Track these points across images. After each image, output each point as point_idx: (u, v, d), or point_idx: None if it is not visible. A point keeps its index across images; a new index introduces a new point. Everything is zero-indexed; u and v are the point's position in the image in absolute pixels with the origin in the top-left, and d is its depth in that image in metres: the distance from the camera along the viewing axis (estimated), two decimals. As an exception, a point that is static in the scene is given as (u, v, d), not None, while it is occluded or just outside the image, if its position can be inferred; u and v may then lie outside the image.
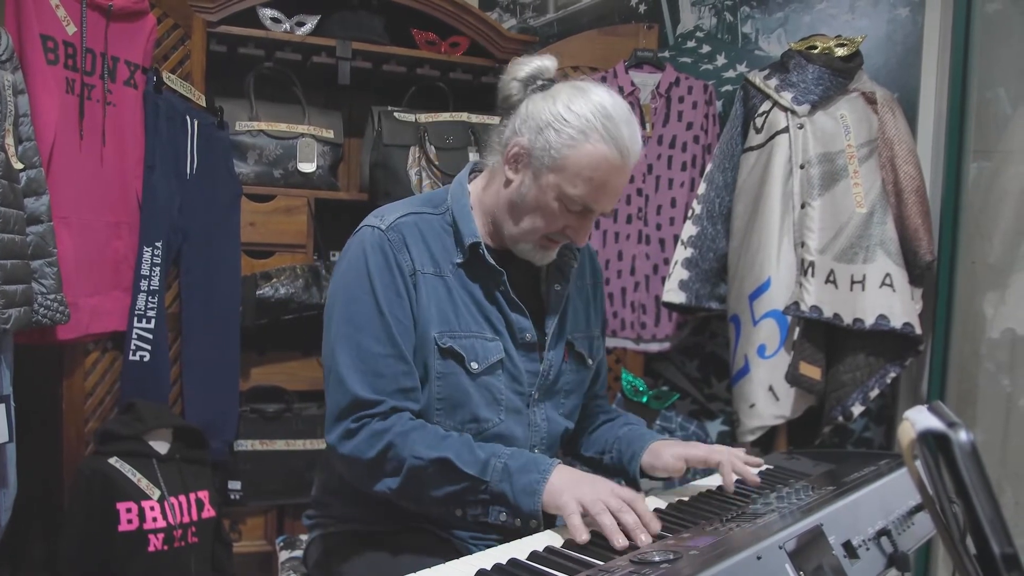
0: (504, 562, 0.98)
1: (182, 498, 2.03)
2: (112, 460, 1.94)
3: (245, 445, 2.39)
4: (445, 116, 2.60)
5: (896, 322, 2.06)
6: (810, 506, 1.16)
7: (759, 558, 0.95)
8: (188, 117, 2.25)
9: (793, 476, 1.41)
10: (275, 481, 2.42)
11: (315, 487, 1.51)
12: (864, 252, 2.11)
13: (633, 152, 1.27)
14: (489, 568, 0.95)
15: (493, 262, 1.35)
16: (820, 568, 1.04)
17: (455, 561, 1.01)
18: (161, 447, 2.03)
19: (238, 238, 2.39)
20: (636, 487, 1.39)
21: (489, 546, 1.36)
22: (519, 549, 1.04)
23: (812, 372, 2.11)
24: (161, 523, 1.95)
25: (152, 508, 1.94)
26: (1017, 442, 2.11)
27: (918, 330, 2.06)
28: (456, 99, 2.78)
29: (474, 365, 1.32)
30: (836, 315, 2.09)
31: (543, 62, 1.34)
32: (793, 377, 2.11)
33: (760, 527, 1.05)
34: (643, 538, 1.05)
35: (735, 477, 1.32)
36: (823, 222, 2.13)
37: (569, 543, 1.08)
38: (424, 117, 2.57)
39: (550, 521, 1.21)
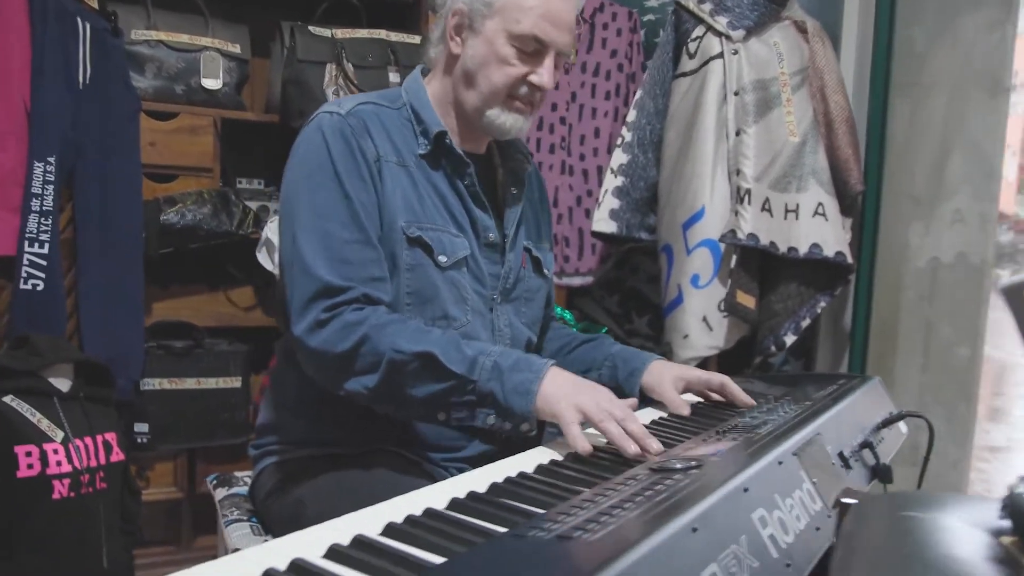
0: (502, 480, 0.90)
1: (88, 440, 1.84)
2: (7, 399, 1.73)
3: (152, 384, 2.20)
4: (363, 33, 2.44)
5: (829, 251, 2.08)
6: (801, 419, 1.13)
7: (780, 463, 0.91)
8: (79, 19, 2.01)
9: (763, 396, 1.39)
10: (186, 423, 2.25)
11: (263, 412, 1.39)
12: (797, 181, 2.12)
13: None
14: (484, 489, 0.87)
15: (461, 152, 1.30)
16: (826, 476, 1.02)
17: (447, 481, 0.92)
18: (62, 384, 1.83)
19: (138, 158, 2.17)
20: None
21: (463, 470, 1.29)
22: (514, 466, 0.97)
23: (748, 301, 2.11)
24: (66, 467, 1.76)
25: (56, 451, 1.75)
26: (936, 370, 2.18)
27: (850, 259, 2.09)
28: (370, 17, 2.61)
29: (443, 258, 1.26)
30: (772, 243, 2.09)
31: None
32: (730, 306, 2.10)
33: (764, 437, 1.01)
34: (654, 446, 1.00)
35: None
36: (758, 149, 2.12)
37: (566, 459, 1.01)
38: (341, 33, 2.40)
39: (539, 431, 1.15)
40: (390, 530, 0.71)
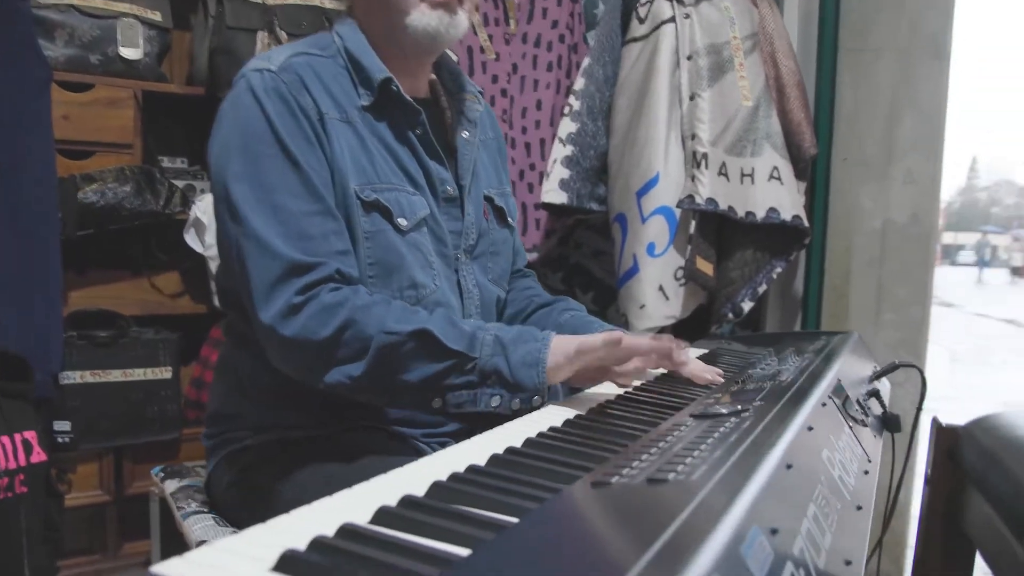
0: (535, 435, 0.81)
1: (5, 440, 1.66)
2: (-87, 395, 1.54)
3: (73, 377, 2.01)
4: None
5: (786, 215, 2.05)
6: (815, 368, 1.07)
7: (824, 404, 0.85)
8: (-19, -24, 1.82)
9: (756, 353, 1.34)
10: (111, 419, 2.06)
11: (213, 400, 1.26)
12: (752, 145, 2.09)
13: None
14: (520, 444, 0.77)
15: (410, 99, 1.17)
16: (855, 418, 0.97)
17: (459, 445, 0.82)
18: (-25, 378, 1.65)
19: (50, 132, 1.97)
20: None
21: (444, 444, 1.19)
22: (531, 426, 0.88)
23: (706, 268, 2.07)
24: (-16, 468, 1.59)
25: (-28, 451, 1.58)
26: (888, 331, 2.19)
27: (806, 223, 2.07)
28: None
29: (402, 221, 1.14)
30: (730, 208, 2.05)
31: None
32: (690, 272, 2.05)
33: (791, 385, 0.95)
34: (708, 376, 0.93)
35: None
36: (713, 114, 2.07)
37: (589, 415, 0.92)
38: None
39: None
40: (437, 490, 0.60)
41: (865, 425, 1.00)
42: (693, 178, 2.05)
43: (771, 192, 2.06)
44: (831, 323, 2.22)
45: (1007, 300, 20.33)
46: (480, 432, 1.18)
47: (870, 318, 2.20)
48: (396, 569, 0.43)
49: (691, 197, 2.03)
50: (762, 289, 2.12)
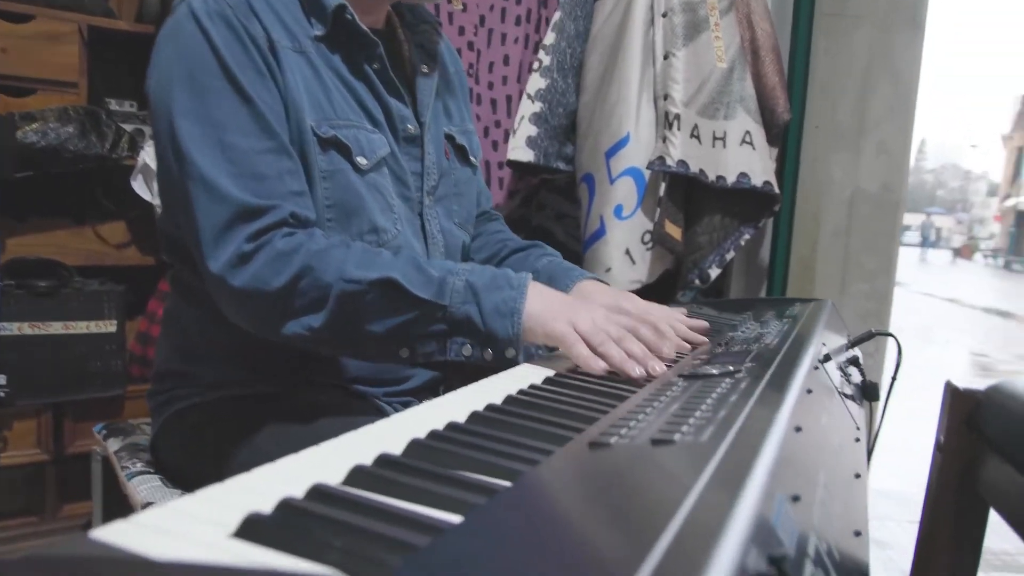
0: (515, 392, 0.75)
1: (-65, 391, 1.57)
2: None
3: (10, 329, 1.90)
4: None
5: (757, 180, 2.01)
6: (797, 333, 1.03)
7: (816, 368, 0.81)
8: None
9: (730, 319, 1.30)
10: (50, 374, 1.96)
11: (160, 356, 1.18)
12: (725, 108, 2.04)
13: None
14: (500, 401, 0.72)
15: (366, 28, 1.08)
16: (842, 385, 0.93)
17: (429, 403, 0.76)
18: (-98, 325, 1.54)
19: (-14, 65, 1.86)
20: None
21: (407, 404, 1.13)
22: (508, 385, 0.82)
23: (675, 232, 2.02)
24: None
25: None
26: (853, 303, 2.17)
27: (776, 189, 2.03)
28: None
29: (362, 160, 1.06)
30: (701, 171, 2.00)
31: None
32: (658, 236, 2.01)
33: (777, 348, 0.91)
34: (656, 368, 0.87)
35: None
36: (687, 74, 2.02)
37: (571, 373, 0.87)
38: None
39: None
40: (415, 449, 0.55)
41: (850, 393, 0.96)
42: (664, 139, 1.99)
43: (743, 157, 2.02)
44: (797, 292, 2.20)
45: (949, 280, 20.86)
46: (446, 387, 1.13)
47: (836, 288, 2.18)
48: (379, 536, 0.38)
49: (662, 159, 1.98)
50: (730, 256, 2.09)
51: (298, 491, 0.44)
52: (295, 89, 1.02)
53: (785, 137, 2.18)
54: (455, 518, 0.41)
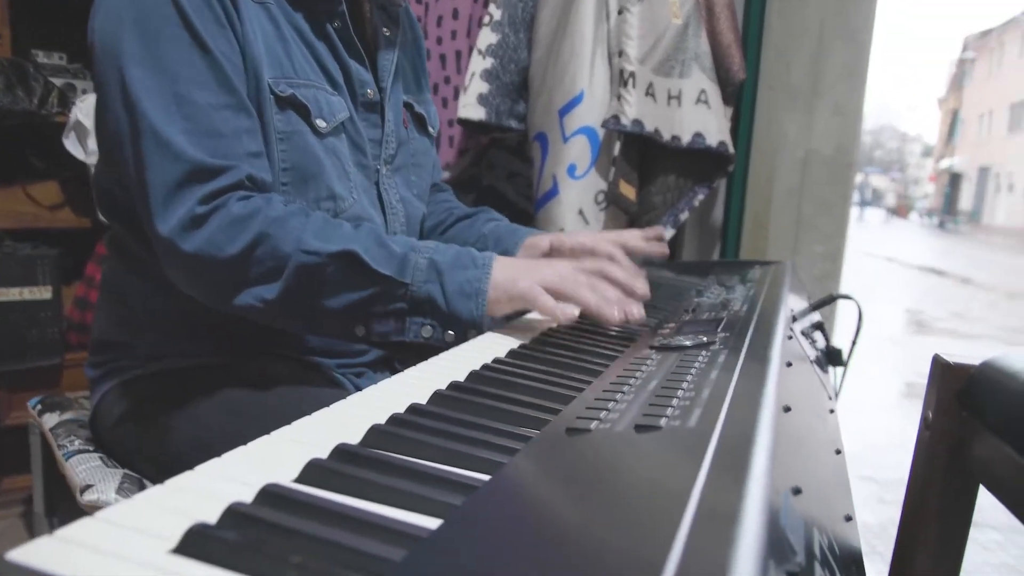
0: (478, 367, 0.71)
1: None
2: None
3: (-67, 295, 1.80)
4: None
5: (712, 140, 1.98)
6: (765, 298, 1.01)
7: (790, 337, 0.78)
8: None
9: (692, 282, 1.27)
10: (-21, 342, 1.86)
11: (99, 325, 1.10)
12: (680, 66, 2.00)
13: None
14: (464, 379, 0.67)
15: None
16: (811, 346, 0.91)
17: (383, 384, 0.70)
18: None
19: None
20: None
21: (361, 376, 1.08)
22: (469, 357, 0.78)
23: (629, 192, 1.99)
24: None
25: None
26: (806, 264, 2.17)
27: (731, 149, 2.01)
28: None
29: (321, 123, 1.00)
30: (656, 130, 1.96)
31: None
32: (613, 196, 1.97)
33: (746, 315, 0.87)
34: (635, 311, 0.84)
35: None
36: (642, 30, 1.97)
37: (533, 344, 0.83)
38: None
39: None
40: (376, 436, 0.50)
41: (818, 360, 0.94)
42: (619, 97, 1.95)
43: (698, 116, 1.99)
44: (750, 253, 2.19)
45: (886, 238, 21.36)
46: (403, 360, 1.08)
47: (789, 248, 2.18)
48: (344, 550, 0.33)
49: (616, 118, 1.93)
50: (684, 216, 2.07)
51: (248, 492, 0.39)
52: (254, 42, 0.94)
53: (739, 97, 2.15)
54: (430, 522, 0.37)
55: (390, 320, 0.90)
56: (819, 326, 1.10)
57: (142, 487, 0.98)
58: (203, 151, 0.87)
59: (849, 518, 0.52)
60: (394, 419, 0.53)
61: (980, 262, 15.72)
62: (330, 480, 0.42)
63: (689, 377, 0.58)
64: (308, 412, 0.91)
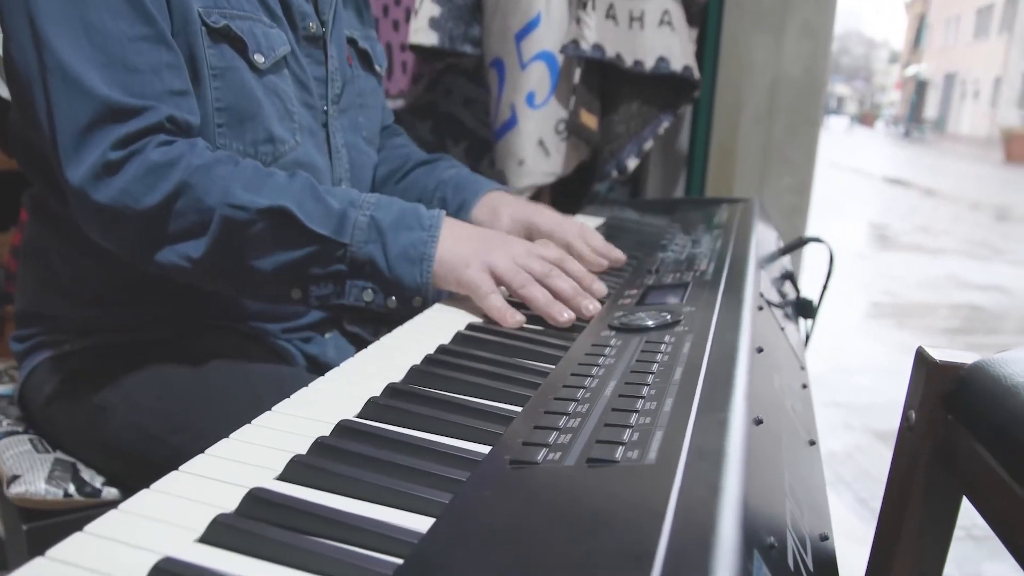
0: (420, 362, 0.64)
1: None
2: None
3: None
4: None
5: (676, 65, 1.89)
6: (734, 251, 0.95)
7: (760, 309, 0.72)
8: None
9: (657, 225, 1.21)
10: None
11: (22, 294, 1.02)
12: (642, -16, 1.89)
13: None
14: (401, 379, 0.61)
15: None
16: (783, 317, 0.85)
17: (332, 374, 0.64)
18: None
19: None
20: None
21: (308, 340, 1.02)
22: (416, 337, 0.71)
23: (590, 121, 1.90)
24: None
25: None
26: (773, 194, 2.12)
27: (696, 74, 1.92)
28: None
29: (259, 58, 0.90)
30: (618, 55, 1.87)
31: None
32: (573, 126, 1.89)
33: (715, 275, 0.82)
34: (590, 307, 0.77)
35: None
36: (603, -53, 1.85)
37: (488, 322, 0.77)
38: None
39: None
40: (295, 471, 0.44)
41: (788, 318, 0.89)
42: (578, 20, 1.84)
43: (661, 39, 1.89)
44: (717, 183, 2.13)
45: (851, 147, 21.40)
46: (351, 321, 1.01)
47: (756, 179, 2.12)
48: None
49: (576, 43, 1.83)
50: (648, 145, 1.99)
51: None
52: None
53: (704, 18, 2.05)
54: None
55: (328, 283, 0.83)
56: (789, 276, 1.05)
57: (76, 473, 0.91)
58: (116, 88, 0.78)
59: (825, 538, 0.47)
60: (343, 428, 0.47)
61: (945, 172, 15.82)
62: (237, 541, 0.36)
63: (650, 378, 0.53)
64: (248, 392, 0.85)
